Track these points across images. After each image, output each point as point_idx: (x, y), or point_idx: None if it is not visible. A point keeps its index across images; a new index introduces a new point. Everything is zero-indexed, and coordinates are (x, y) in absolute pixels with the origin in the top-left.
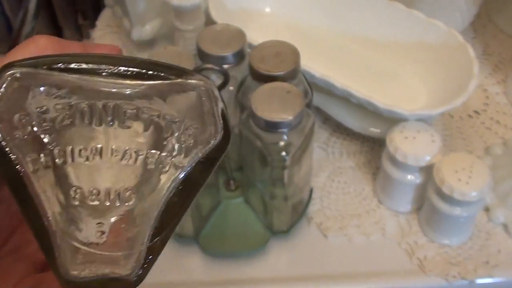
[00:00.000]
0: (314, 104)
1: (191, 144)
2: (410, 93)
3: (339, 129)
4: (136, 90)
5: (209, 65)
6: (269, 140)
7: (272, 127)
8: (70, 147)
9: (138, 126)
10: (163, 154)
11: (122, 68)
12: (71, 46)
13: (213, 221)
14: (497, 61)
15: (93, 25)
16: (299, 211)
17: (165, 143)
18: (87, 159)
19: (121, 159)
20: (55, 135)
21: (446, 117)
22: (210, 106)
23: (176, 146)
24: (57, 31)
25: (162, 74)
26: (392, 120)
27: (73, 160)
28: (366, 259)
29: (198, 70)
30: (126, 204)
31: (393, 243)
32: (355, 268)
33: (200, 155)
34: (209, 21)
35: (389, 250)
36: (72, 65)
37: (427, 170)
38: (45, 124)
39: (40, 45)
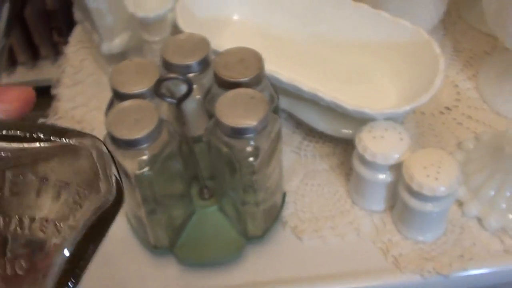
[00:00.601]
0: (286, 109)
1: (83, 206)
2: (380, 93)
3: (311, 132)
4: (19, 153)
5: (172, 75)
6: (236, 147)
7: (238, 133)
8: None
9: (27, 192)
10: (55, 219)
11: (4, 132)
12: None
13: (188, 231)
14: (468, 57)
15: (68, 42)
16: (273, 216)
17: (56, 208)
18: None
19: (10, 226)
20: None
21: (418, 115)
22: (102, 167)
23: (67, 210)
24: (33, 49)
25: (46, 136)
26: (362, 120)
27: None
28: (342, 259)
29: (162, 80)
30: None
31: (368, 242)
32: (332, 269)
33: (92, 218)
34: (177, 31)
35: (365, 249)
36: None
37: (397, 168)
38: None
39: None
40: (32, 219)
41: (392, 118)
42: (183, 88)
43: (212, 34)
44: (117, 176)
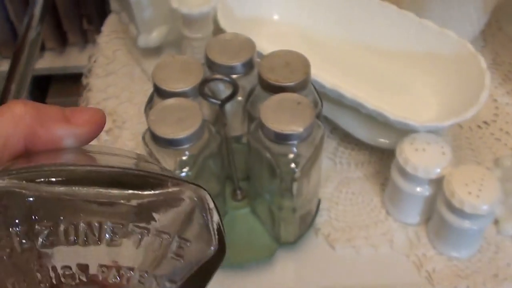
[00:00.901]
0: (323, 113)
1: (183, 260)
2: (420, 104)
3: (347, 138)
4: (121, 203)
5: (219, 76)
6: (278, 152)
7: (282, 139)
8: (51, 265)
9: (127, 243)
10: (155, 272)
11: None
12: (50, 112)
13: None
14: (507, 71)
15: (98, 30)
16: (307, 222)
17: (155, 260)
18: (73, 278)
19: (110, 277)
20: (36, 255)
21: (456, 128)
22: (204, 219)
23: (167, 262)
24: (62, 36)
25: (150, 183)
26: (402, 131)
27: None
28: (374, 271)
29: (208, 80)
30: None
31: (401, 255)
32: (363, 280)
33: (193, 270)
34: (217, 30)
35: (397, 262)
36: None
37: (437, 183)
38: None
39: (16, 113)
40: (130, 270)
41: (433, 131)
42: (221, 88)
43: (252, 34)
44: (221, 226)
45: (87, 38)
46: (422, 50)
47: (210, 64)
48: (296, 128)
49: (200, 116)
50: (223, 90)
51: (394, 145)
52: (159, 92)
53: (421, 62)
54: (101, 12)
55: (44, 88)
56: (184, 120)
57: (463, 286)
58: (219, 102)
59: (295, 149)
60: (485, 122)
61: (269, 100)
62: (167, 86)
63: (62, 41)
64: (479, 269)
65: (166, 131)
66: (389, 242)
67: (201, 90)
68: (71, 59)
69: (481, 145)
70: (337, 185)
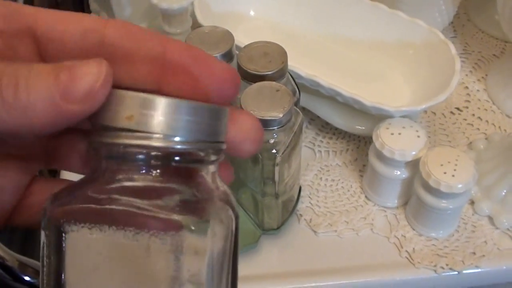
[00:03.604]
0: (300, 105)
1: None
2: (394, 91)
3: (325, 128)
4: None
5: None
6: None
7: (263, 125)
8: None
9: None
10: None
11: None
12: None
13: None
14: (476, 59)
15: None
16: (289, 209)
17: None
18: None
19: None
20: None
21: (429, 115)
22: None
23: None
24: None
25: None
26: (378, 117)
27: None
28: (356, 254)
29: None
30: None
31: (382, 237)
32: (346, 263)
33: None
34: (195, 24)
35: (379, 244)
36: None
37: (413, 165)
38: None
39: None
40: None
41: (408, 116)
42: None
43: (229, 29)
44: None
45: None
46: (394, 39)
47: None
48: (275, 114)
49: None
50: None
51: (370, 131)
52: None
53: (393, 51)
54: (79, 12)
55: None
56: None
57: (443, 264)
58: None
59: (275, 135)
60: (458, 109)
61: (249, 88)
62: None
63: None
64: (457, 248)
65: None
66: (370, 225)
67: None
68: None
69: (454, 130)
70: (317, 173)
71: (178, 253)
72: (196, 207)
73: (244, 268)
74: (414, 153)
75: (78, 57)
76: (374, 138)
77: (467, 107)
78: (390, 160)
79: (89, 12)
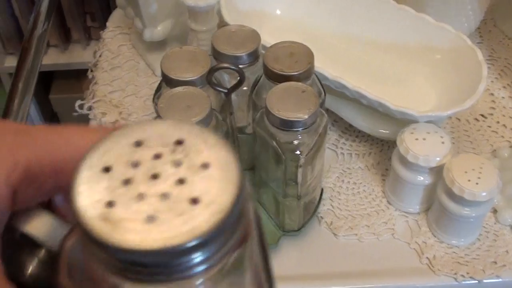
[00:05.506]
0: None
1: None
2: (419, 95)
3: (348, 130)
4: None
5: (225, 65)
6: (283, 139)
7: (287, 126)
8: None
9: None
10: None
11: None
12: None
13: None
14: (503, 66)
15: (101, 27)
16: (310, 211)
17: None
18: None
19: None
20: None
21: (454, 121)
22: None
23: None
24: (65, 33)
25: None
26: (402, 121)
27: None
28: (376, 258)
29: (216, 69)
30: None
31: (402, 243)
32: (365, 267)
33: None
34: (221, 23)
35: (399, 249)
36: None
37: (437, 171)
38: None
39: None
40: None
41: (433, 121)
42: (227, 79)
43: (254, 28)
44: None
45: (90, 35)
46: (419, 43)
47: (216, 55)
48: (301, 115)
49: (208, 103)
50: (228, 81)
51: (394, 135)
52: (167, 81)
53: (420, 55)
54: (105, 9)
55: (47, 84)
56: (192, 108)
57: (463, 273)
58: (226, 90)
59: (300, 136)
60: (482, 115)
61: (275, 88)
62: (175, 75)
63: (66, 38)
64: (479, 257)
65: (175, 118)
66: (390, 230)
67: (209, 79)
68: (74, 56)
69: (478, 137)
70: (339, 175)
71: None
72: None
73: None
74: (438, 159)
75: None
76: (398, 142)
77: (492, 114)
78: (414, 165)
79: (113, 9)
